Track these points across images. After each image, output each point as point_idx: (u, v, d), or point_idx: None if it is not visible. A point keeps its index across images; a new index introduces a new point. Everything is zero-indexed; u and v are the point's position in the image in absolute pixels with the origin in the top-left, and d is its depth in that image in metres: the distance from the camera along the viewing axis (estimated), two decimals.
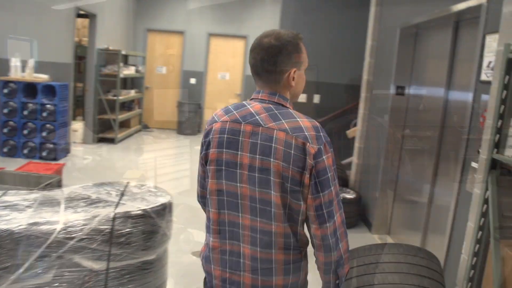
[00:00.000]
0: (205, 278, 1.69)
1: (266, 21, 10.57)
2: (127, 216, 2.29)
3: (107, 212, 2.28)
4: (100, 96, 8.41)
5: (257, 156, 1.47)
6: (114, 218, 2.26)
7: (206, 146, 1.58)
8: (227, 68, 10.85)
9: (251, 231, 1.51)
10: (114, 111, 8.61)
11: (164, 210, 2.52)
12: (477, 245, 2.49)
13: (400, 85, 4.54)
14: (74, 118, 8.19)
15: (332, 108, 6.95)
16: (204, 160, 1.60)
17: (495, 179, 2.39)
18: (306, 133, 1.45)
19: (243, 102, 1.59)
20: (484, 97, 2.79)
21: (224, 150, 1.52)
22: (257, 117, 1.51)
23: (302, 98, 6.95)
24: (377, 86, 5.19)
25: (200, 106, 10.59)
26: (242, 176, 1.50)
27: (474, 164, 2.84)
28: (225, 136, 1.53)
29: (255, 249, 1.51)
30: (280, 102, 1.54)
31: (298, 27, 7.26)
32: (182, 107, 10.31)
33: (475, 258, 2.51)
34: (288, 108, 1.55)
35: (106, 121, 8.71)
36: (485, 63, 2.81)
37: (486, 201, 2.44)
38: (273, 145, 1.46)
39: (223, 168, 1.53)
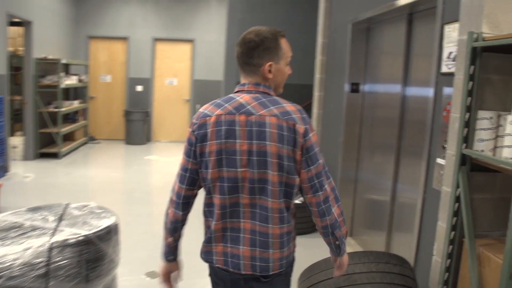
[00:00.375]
0: (209, 272, 1.86)
1: (213, 24, 10.35)
2: (66, 245, 1.99)
3: (42, 242, 1.97)
4: (40, 109, 7.88)
5: (254, 142, 1.64)
6: (50, 249, 1.95)
7: (200, 139, 1.69)
8: (174, 73, 10.51)
9: (250, 207, 1.68)
10: (56, 124, 8.09)
11: (110, 233, 2.24)
12: (451, 246, 2.35)
13: (354, 82, 4.41)
14: (12, 134, 7.62)
15: None
16: (199, 153, 1.71)
17: (465, 176, 2.25)
18: (293, 116, 1.65)
19: (230, 95, 1.73)
20: (447, 90, 2.67)
21: (223, 140, 1.66)
22: (248, 106, 1.66)
23: None
24: (330, 84, 5.06)
25: (148, 114, 10.19)
26: (241, 161, 1.65)
27: (440, 160, 2.72)
28: (223, 127, 1.66)
29: (254, 223, 1.68)
30: (265, 91, 1.72)
31: (245, 28, 7.04)
32: (130, 116, 9.89)
33: (449, 260, 2.37)
34: (273, 95, 1.74)
35: (48, 135, 8.17)
36: (445, 54, 2.70)
37: (457, 199, 2.30)
38: (267, 129, 1.63)
39: (223, 157, 1.66)
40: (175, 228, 1.86)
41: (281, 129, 1.63)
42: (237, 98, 1.70)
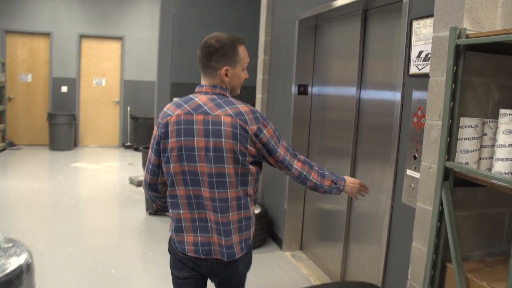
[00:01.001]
0: (170, 259, 2.04)
1: (144, 20, 9.74)
2: None
3: None
4: None
5: (211, 139, 1.81)
6: None
7: (163, 136, 1.87)
8: (103, 73, 9.79)
9: (211, 201, 1.85)
10: None
11: (20, 276, 1.75)
12: (432, 271, 2.07)
13: (302, 84, 4.11)
14: None
15: None
16: (162, 149, 1.88)
17: (449, 192, 1.98)
18: (246, 117, 1.82)
19: (189, 96, 1.91)
20: (417, 93, 2.40)
21: (182, 138, 1.83)
22: (205, 107, 1.84)
23: None
24: (274, 85, 4.73)
25: (74, 117, 9.40)
26: (200, 157, 1.83)
27: (411, 172, 2.45)
28: (182, 126, 1.84)
29: (217, 215, 1.86)
30: (221, 92, 1.90)
31: (180, 24, 6.68)
32: (54, 119, 9.05)
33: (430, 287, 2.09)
34: (228, 97, 1.91)
35: None
36: (414, 54, 2.43)
37: (439, 218, 2.02)
38: (222, 128, 1.80)
39: (183, 153, 1.83)
40: (162, 197, 2.06)
41: (235, 128, 1.81)
42: (196, 99, 1.88)
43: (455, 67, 1.92)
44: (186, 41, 6.20)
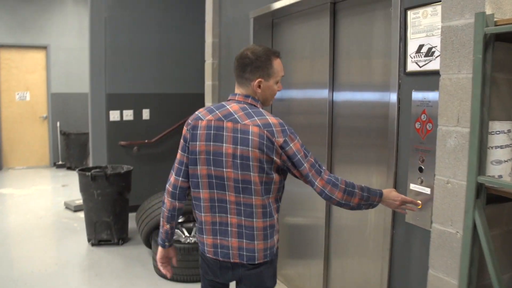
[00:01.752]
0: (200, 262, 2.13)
1: (71, 27, 8.96)
2: None
3: None
4: None
5: (238, 147, 1.87)
6: None
7: (191, 138, 1.96)
8: (26, 86, 8.86)
9: (236, 205, 1.92)
10: None
11: None
12: None
13: None
14: None
15: (169, 123, 5.86)
16: (190, 151, 1.97)
17: (483, 212, 1.63)
18: (273, 129, 1.87)
19: (222, 103, 1.98)
20: (419, 94, 2.04)
21: (211, 143, 1.91)
22: (236, 115, 1.90)
23: (129, 115, 5.72)
24: (227, 91, 4.27)
25: None
26: (227, 163, 1.89)
27: (416, 187, 2.09)
28: (212, 132, 1.91)
29: (240, 218, 1.93)
30: (252, 103, 1.96)
31: (114, 29, 5.95)
32: None
33: None
34: (259, 108, 1.96)
35: None
36: (411, 49, 2.07)
37: (472, 243, 1.67)
38: (250, 137, 1.86)
39: (211, 157, 1.91)
40: (172, 216, 2.08)
41: (261, 138, 1.85)
42: (227, 107, 1.93)
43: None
44: (121, 48, 5.61)
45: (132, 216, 4.76)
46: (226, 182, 1.89)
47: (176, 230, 4.18)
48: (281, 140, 1.84)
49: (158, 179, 5.78)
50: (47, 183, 7.90)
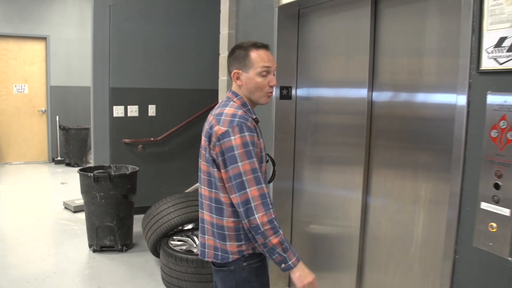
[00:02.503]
0: None
1: (71, 17, 8.59)
2: None
3: None
4: None
5: (204, 138, 1.87)
6: None
7: None
8: (24, 78, 8.49)
9: (208, 200, 1.87)
10: None
11: None
12: None
13: (285, 86, 3.35)
14: None
15: (176, 120, 5.51)
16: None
17: None
18: (222, 117, 1.79)
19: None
20: (497, 97, 1.70)
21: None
22: (214, 109, 1.93)
23: (134, 111, 5.36)
24: None
25: None
26: (201, 154, 1.90)
27: (489, 206, 1.75)
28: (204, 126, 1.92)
29: (211, 215, 1.86)
30: (229, 96, 1.93)
31: (119, 18, 5.50)
32: None
33: None
34: (232, 100, 1.89)
35: None
36: (488, 42, 1.73)
37: None
38: (206, 126, 1.87)
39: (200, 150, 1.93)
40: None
41: (210, 127, 1.82)
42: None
43: None
44: (126, 38, 5.26)
45: (136, 219, 4.43)
46: (200, 174, 1.90)
47: (186, 238, 3.88)
48: (223, 129, 1.75)
49: (164, 180, 5.45)
50: (45, 180, 7.55)
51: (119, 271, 3.85)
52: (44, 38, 8.46)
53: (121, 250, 4.24)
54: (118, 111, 5.28)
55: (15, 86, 8.44)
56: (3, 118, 8.38)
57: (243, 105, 1.89)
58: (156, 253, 3.88)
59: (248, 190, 1.71)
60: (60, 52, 8.53)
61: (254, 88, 1.87)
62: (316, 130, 3.23)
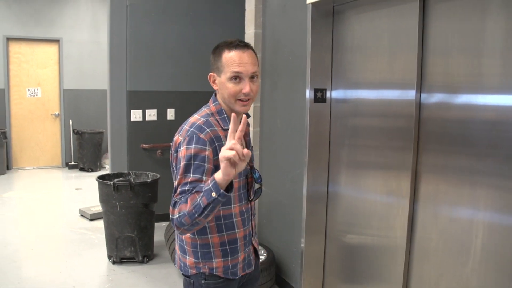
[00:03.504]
0: None
1: (85, 19, 8.44)
2: None
3: None
4: None
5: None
6: None
7: None
8: (37, 82, 8.34)
9: None
10: None
11: None
12: None
13: (319, 88, 3.13)
14: None
15: None
16: None
17: None
18: (184, 126, 1.72)
19: None
20: None
21: None
22: None
23: (152, 115, 5.16)
24: (272, 91, 3.72)
25: (5, 135, 7.91)
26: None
27: None
28: None
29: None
30: (210, 101, 1.81)
31: (137, 19, 5.21)
32: None
33: None
34: (209, 105, 1.79)
35: None
36: None
37: None
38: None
39: None
40: None
41: (175, 136, 1.75)
42: None
43: None
44: (145, 40, 5.06)
45: (156, 228, 4.23)
46: None
47: None
48: (181, 138, 1.68)
49: None
50: (59, 186, 7.40)
51: (141, 284, 3.65)
52: (57, 41, 8.31)
53: (142, 262, 4.03)
54: (135, 115, 5.08)
55: (28, 90, 8.29)
56: (16, 122, 8.23)
57: (219, 112, 1.75)
58: None
59: (177, 202, 1.54)
60: (73, 54, 8.37)
61: (227, 95, 1.69)
62: (355, 133, 3.01)
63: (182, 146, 1.63)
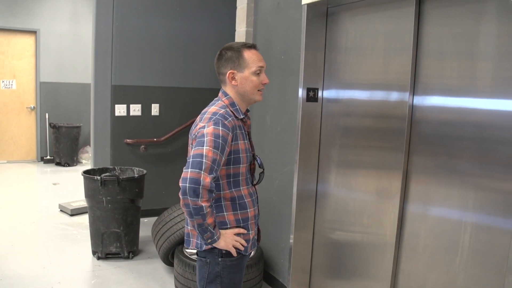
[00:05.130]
0: None
1: (64, 10, 8.29)
2: None
3: None
4: None
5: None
6: None
7: None
8: (12, 73, 8.14)
9: None
10: None
11: None
12: None
13: (312, 87, 3.18)
14: None
15: (181, 120, 5.30)
16: None
17: None
18: (205, 115, 1.93)
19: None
20: None
21: None
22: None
23: (136, 110, 5.13)
24: (268, 87, 3.74)
25: None
26: (188, 150, 2.04)
27: None
28: None
29: None
30: (219, 95, 2.05)
31: (123, 13, 5.02)
32: None
33: None
34: (221, 99, 2.02)
35: None
36: None
37: None
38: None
39: None
40: None
41: (195, 125, 1.97)
42: None
43: None
44: (130, 34, 5.03)
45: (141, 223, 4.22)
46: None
47: None
48: (202, 124, 1.88)
49: (167, 183, 5.24)
50: (36, 181, 7.25)
51: (128, 281, 3.63)
52: (34, 32, 8.12)
53: (127, 257, 4.02)
54: (120, 110, 5.04)
55: (3, 81, 8.09)
56: None
57: (231, 104, 2.00)
58: (167, 261, 3.68)
59: (195, 170, 1.78)
60: (51, 47, 8.20)
61: (251, 88, 1.99)
62: (346, 133, 3.08)
63: (209, 126, 1.85)
